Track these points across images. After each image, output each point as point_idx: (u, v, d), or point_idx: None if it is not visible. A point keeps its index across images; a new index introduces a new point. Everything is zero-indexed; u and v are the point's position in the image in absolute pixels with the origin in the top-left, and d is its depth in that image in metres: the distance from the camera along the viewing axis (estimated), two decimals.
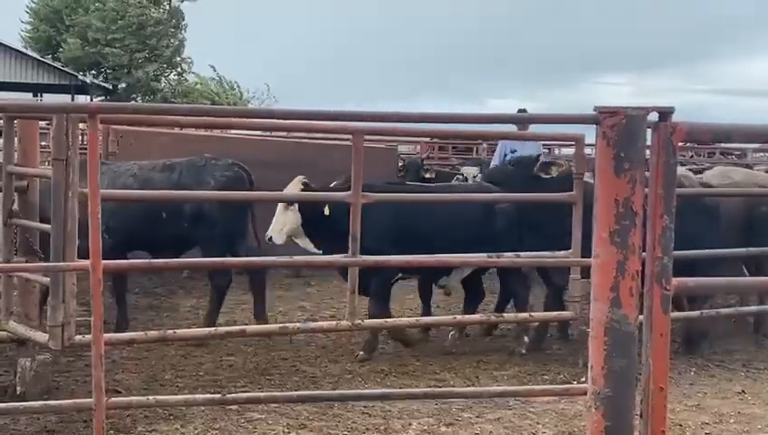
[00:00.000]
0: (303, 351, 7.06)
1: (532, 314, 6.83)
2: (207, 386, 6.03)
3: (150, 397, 4.77)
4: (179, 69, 41.19)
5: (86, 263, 2.68)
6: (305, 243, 7.07)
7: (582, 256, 5.67)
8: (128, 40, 38.07)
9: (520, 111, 8.78)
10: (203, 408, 5.39)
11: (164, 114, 3.89)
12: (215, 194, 6.90)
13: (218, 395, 4.83)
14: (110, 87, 38.18)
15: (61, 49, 38.55)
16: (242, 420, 5.33)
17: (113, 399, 4.44)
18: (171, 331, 5.81)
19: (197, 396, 5.03)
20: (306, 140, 10.76)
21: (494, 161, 10.82)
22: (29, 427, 5.12)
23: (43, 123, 6.29)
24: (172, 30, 40.05)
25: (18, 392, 5.58)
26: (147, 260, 4.30)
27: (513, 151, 10.33)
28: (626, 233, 2.08)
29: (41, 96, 34.27)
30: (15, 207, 5.51)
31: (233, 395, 4.98)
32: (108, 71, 38.88)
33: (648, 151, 2.16)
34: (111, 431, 5.00)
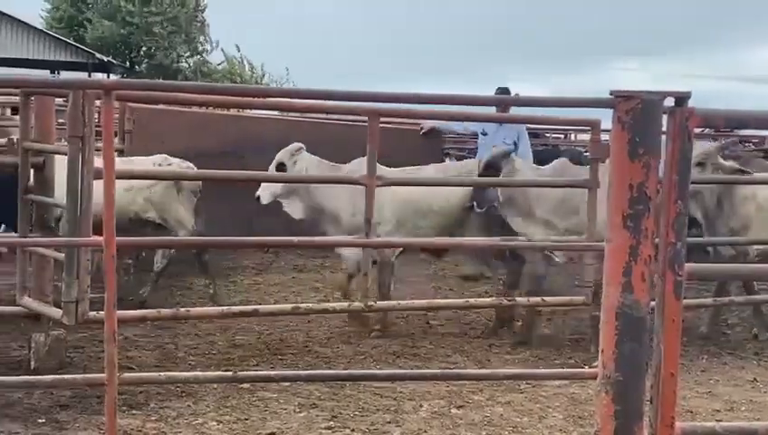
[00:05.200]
0: (316, 331, 7.08)
1: (545, 298, 6.81)
2: (220, 365, 6.06)
3: (162, 373, 4.81)
4: (202, 48, 41.21)
5: (100, 239, 2.69)
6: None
7: None
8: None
9: (500, 90, 8.56)
10: (215, 386, 5.41)
11: (177, 91, 3.89)
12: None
13: (230, 373, 4.86)
14: (128, 66, 38.21)
15: (83, 29, 38.52)
16: (253, 399, 5.36)
17: (126, 374, 4.48)
18: (184, 309, 5.83)
19: (208, 373, 5.07)
20: (327, 121, 10.68)
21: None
22: (42, 401, 5.16)
23: (60, 100, 6.29)
24: (193, 11, 40.07)
25: (32, 367, 5.64)
26: (158, 238, 4.31)
27: (484, 134, 10.11)
28: (639, 218, 2.07)
29: (58, 74, 34.33)
30: (32, 182, 5.54)
31: (244, 373, 5.02)
32: (129, 53, 38.88)
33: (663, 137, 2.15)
34: (124, 407, 5.03)
